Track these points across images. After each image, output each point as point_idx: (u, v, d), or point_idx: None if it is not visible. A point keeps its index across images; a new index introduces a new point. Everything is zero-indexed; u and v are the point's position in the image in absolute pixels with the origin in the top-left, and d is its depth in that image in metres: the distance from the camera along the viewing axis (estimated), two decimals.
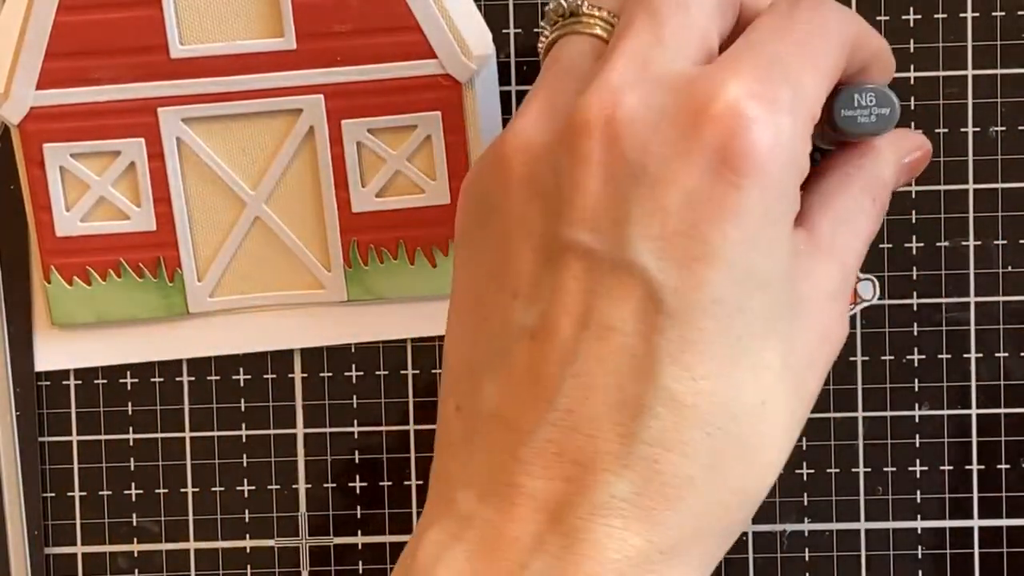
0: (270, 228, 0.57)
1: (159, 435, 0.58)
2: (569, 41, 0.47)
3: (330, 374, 0.58)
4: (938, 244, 0.57)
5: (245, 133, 0.56)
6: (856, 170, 0.49)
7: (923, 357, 0.57)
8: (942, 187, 0.57)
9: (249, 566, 0.58)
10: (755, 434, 0.43)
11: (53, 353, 0.58)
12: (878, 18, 0.57)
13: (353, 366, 0.58)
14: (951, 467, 0.58)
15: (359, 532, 0.58)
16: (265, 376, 0.58)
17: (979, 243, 0.57)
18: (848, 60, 0.46)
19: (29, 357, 0.57)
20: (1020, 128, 0.57)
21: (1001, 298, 0.57)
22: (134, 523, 0.59)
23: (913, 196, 0.57)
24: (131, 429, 0.58)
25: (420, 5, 0.55)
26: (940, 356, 0.57)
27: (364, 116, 0.56)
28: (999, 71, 0.57)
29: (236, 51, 0.55)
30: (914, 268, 0.57)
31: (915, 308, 0.58)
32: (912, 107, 0.57)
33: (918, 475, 0.57)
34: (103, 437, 0.58)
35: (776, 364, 0.44)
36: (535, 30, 0.57)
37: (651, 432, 0.42)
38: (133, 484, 0.58)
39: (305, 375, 0.58)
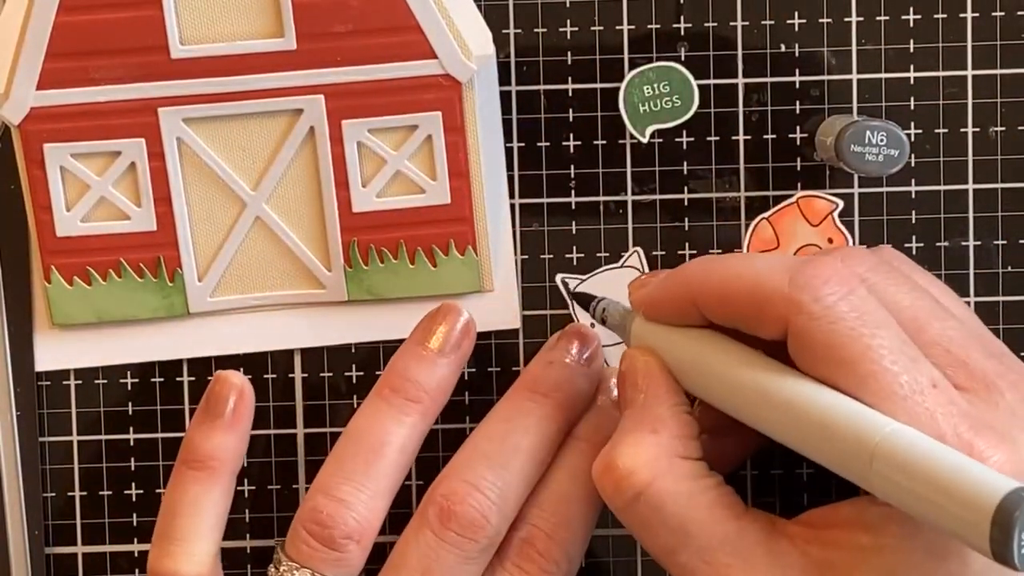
0: (270, 228, 0.57)
1: (159, 435, 0.58)
2: None
3: (330, 374, 0.58)
4: (938, 244, 0.57)
5: (245, 133, 0.56)
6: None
7: None
8: (942, 187, 0.57)
9: (249, 566, 0.58)
10: None
11: (53, 353, 0.58)
12: (878, 18, 0.57)
13: (353, 366, 0.58)
14: None
15: None
16: (265, 376, 0.58)
17: (979, 243, 0.57)
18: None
19: (29, 357, 0.57)
20: (1020, 128, 0.57)
21: (1001, 298, 0.57)
22: (134, 523, 0.59)
23: (913, 196, 0.57)
24: (131, 429, 0.58)
25: (420, 5, 0.55)
26: None
27: (364, 116, 0.55)
28: (999, 71, 0.57)
29: (236, 51, 0.55)
30: None
31: None
32: (912, 107, 0.57)
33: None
34: (103, 437, 0.58)
35: None
36: (535, 30, 0.57)
37: None
38: (133, 484, 0.58)
39: (305, 375, 0.58)
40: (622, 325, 0.54)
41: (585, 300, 0.56)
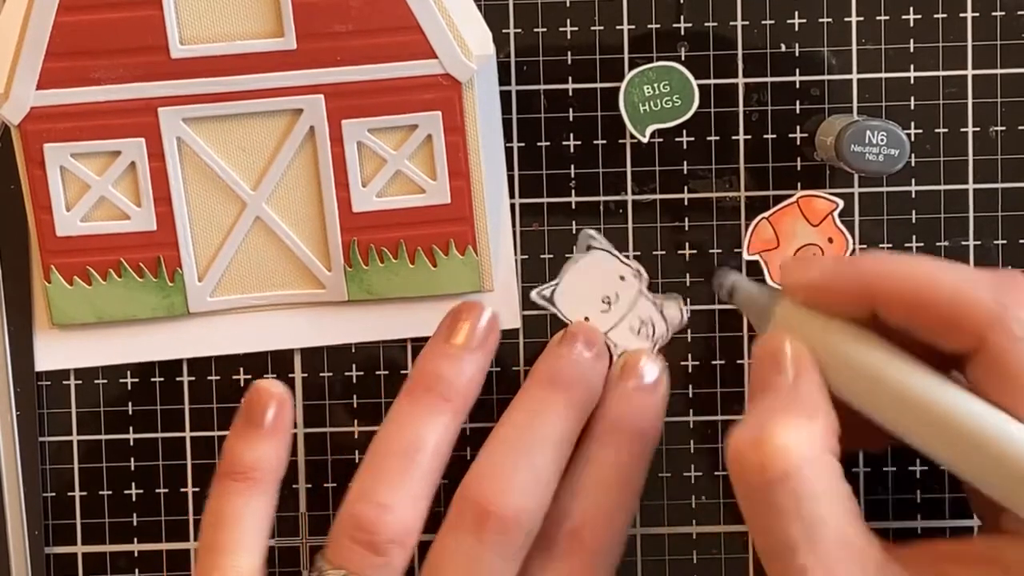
0: (270, 228, 0.57)
1: (159, 435, 0.58)
2: None
3: (330, 374, 0.58)
4: (938, 244, 0.57)
5: (245, 133, 0.56)
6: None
7: None
8: (942, 187, 0.57)
9: None
10: None
11: (53, 353, 0.58)
12: (878, 18, 0.57)
13: (353, 366, 0.58)
14: None
15: None
16: (265, 376, 0.58)
17: (979, 243, 0.57)
18: None
19: (29, 357, 0.57)
20: (1020, 128, 0.57)
21: None
22: (134, 523, 0.59)
23: (913, 196, 0.57)
24: (131, 429, 0.58)
25: (420, 5, 0.55)
26: None
27: (364, 116, 0.55)
28: (999, 71, 0.57)
29: (236, 51, 0.55)
30: None
31: None
32: (912, 107, 0.57)
33: (918, 475, 0.57)
34: (103, 437, 0.58)
35: None
36: (535, 30, 0.57)
37: None
38: (133, 484, 0.58)
39: (305, 375, 0.58)
40: (759, 305, 0.51)
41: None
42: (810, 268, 0.50)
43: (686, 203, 0.57)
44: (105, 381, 0.58)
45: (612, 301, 0.57)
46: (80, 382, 0.58)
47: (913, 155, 0.57)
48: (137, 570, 0.59)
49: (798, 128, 0.57)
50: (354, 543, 0.52)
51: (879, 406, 0.47)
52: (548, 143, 0.57)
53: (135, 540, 0.59)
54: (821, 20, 0.57)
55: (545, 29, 0.57)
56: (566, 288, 0.57)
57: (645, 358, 0.56)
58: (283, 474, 0.55)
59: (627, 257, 0.57)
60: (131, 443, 0.58)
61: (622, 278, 0.57)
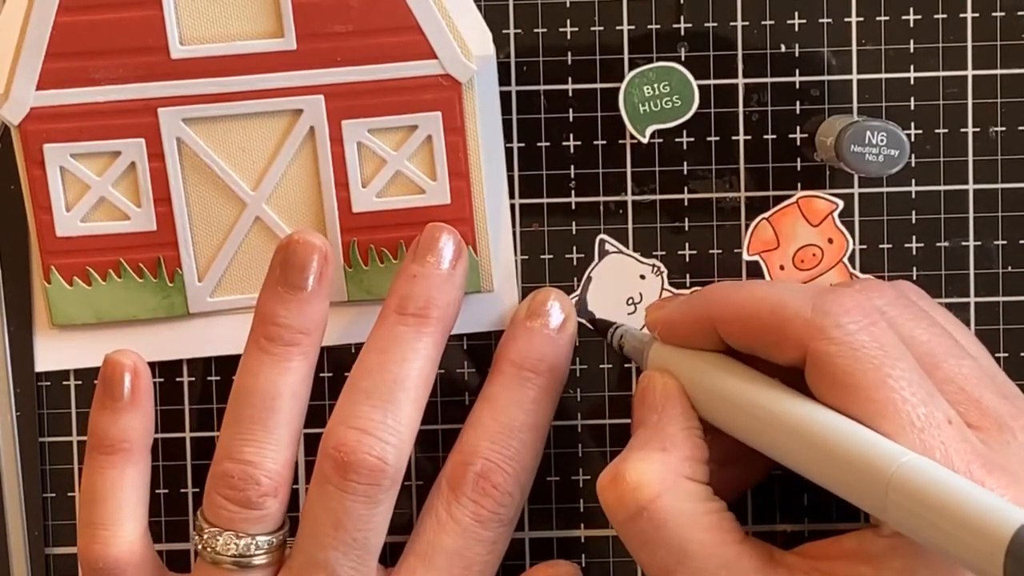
0: (270, 228, 0.57)
1: (159, 435, 0.58)
2: None
3: (330, 374, 0.58)
4: (938, 244, 0.57)
5: (245, 133, 0.56)
6: None
7: None
8: (942, 187, 0.57)
9: None
10: None
11: (53, 353, 0.58)
12: (878, 18, 0.57)
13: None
14: None
15: None
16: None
17: (979, 243, 0.57)
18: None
19: (29, 357, 0.57)
20: (1020, 128, 0.57)
21: (1001, 298, 0.57)
22: None
23: (913, 196, 0.57)
24: None
25: (420, 5, 0.55)
26: None
27: (364, 116, 0.56)
28: (999, 71, 0.57)
29: (236, 51, 0.55)
30: (914, 268, 0.57)
31: None
32: (912, 107, 0.57)
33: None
34: None
35: None
36: (535, 30, 0.57)
37: None
38: None
39: None
40: (640, 351, 0.54)
41: (603, 327, 0.57)
42: (664, 306, 0.53)
43: (686, 203, 0.57)
44: None
45: (636, 301, 0.57)
46: (80, 382, 0.58)
47: (913, 155, 0.57)
48: None
49: (798, 128, 0.57)
50: (226, 500, 0.53)
51: (738, 425, 0.50)
52: (548, 143, 0.57)
53: None
54: (821, 20, 0.57)
55: (545, 29, 0.57)
56: (589, 297, 0.57)
57: (552, 299, 0.56)
58: (151, 441, 0.56)
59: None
60: None
61: (642, 277, 0.57)
